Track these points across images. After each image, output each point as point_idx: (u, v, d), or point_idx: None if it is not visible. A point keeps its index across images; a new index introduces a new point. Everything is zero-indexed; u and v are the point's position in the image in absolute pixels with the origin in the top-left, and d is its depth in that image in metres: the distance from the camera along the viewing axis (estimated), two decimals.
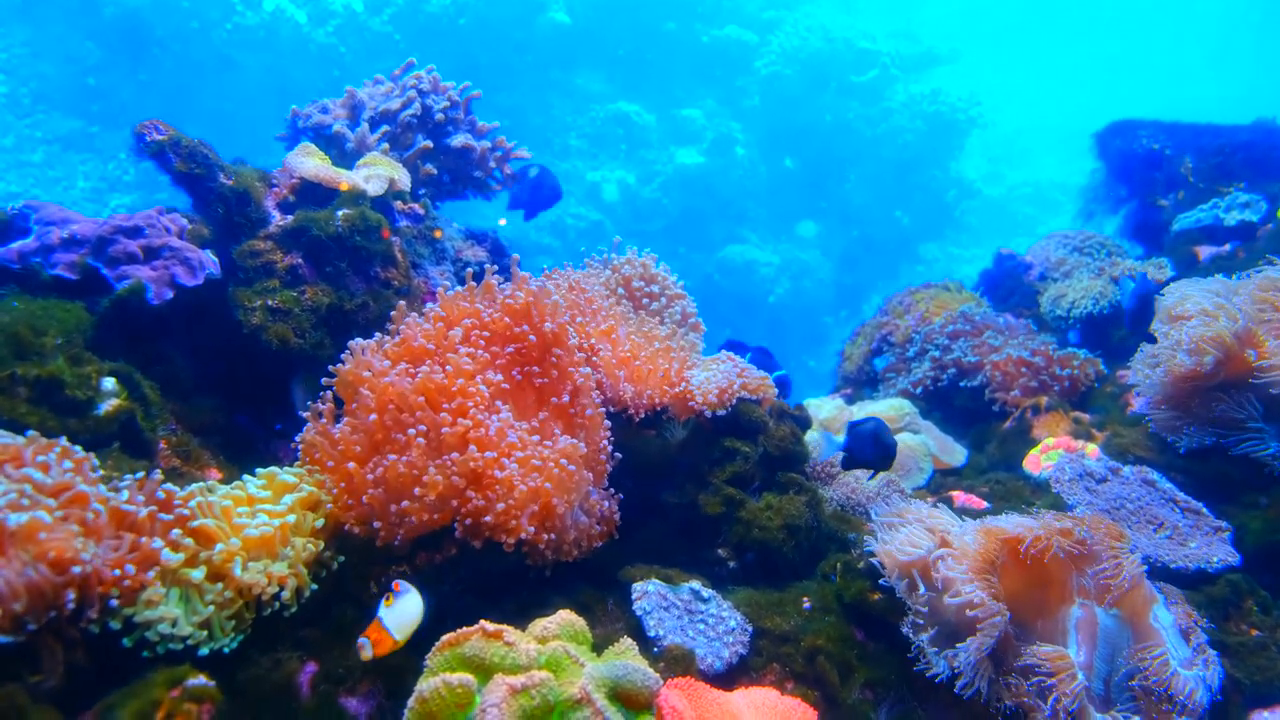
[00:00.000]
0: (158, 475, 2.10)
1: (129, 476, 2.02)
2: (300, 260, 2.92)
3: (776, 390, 3.11)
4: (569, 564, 2.41)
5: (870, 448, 2.73)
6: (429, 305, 2.63)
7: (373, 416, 2.29)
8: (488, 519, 2.18)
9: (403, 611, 1.96)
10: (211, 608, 1.93)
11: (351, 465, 2.25)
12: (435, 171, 3.71)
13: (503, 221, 3.85)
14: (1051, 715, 1.97)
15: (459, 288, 2.70)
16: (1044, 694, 2.00)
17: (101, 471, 2.03)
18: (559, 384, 2.57)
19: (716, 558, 2.74)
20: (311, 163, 3.16)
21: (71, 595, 1.73)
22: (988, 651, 2.03)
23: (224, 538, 2.03)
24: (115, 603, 1.83)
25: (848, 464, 2.86)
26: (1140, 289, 3.88)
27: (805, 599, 2.48)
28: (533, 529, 2.21)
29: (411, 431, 2.24)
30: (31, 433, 1.96)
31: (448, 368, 2.37)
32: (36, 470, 1.84)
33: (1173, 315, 3.11)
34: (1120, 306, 4.24)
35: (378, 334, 2.58)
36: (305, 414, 2.47)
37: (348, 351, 2.49)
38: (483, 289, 2.68)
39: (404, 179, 3.37)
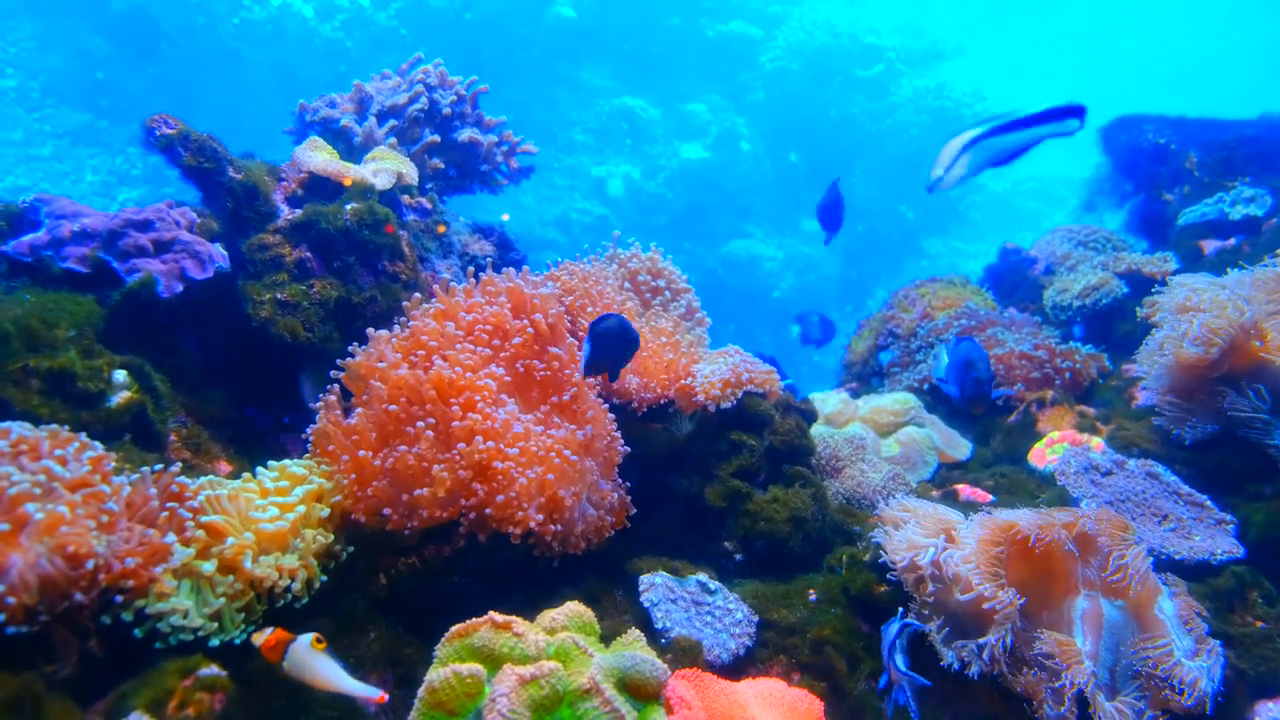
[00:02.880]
0: (175, 468, 2.12)
1: (145, 469, 2.04)
2: (309, 254, 2.93)
3: (782, 384, 3.12)
4: (577, 555, 2.43)
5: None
6: (429, 302, 2.65)
7: (393, 407, 2.31)
8: (489, 511, 2.20)
9: (311, 663, 1.83)
10: (222, 600, 1.95)
11: (363, 454, 2.27)
12: (442, 166, 3.73)
13: (506, 217, 3.87)
14: (1060, 702, 1.99)
15: (458, 283, 2.71)
16: (1054, 683, 2.02)
17: (114, 464, 2.05)
18: (561, 377, 2.59)
19: (723, 550, 2.75)
20: (319, 157, 3.17)
21: (86, 587, 1.75)
22: (1004, 645, 2.04)
23: (237, 532, 2.05)
24: (127, 595, 1.85)
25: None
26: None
27: (811, 591, 2.49)
28: (540, 518, 2.22)
29: (420, 424, 2.26)
30: (54, 427, 1.98)
31: (457, 366, 2.38)
32: (54, 463, 1.85)
33: (1179, 308, 3.11)
34: (1120, 301, 4.25)
35: (395, 326, 2.60)
36: (315, 406, 2.49)
37: (357, 344, 2.50)
38: (481, 284, 2.69)
39: (411, 173, 3.39)
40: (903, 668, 2.05)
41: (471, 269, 2.81)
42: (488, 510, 2.20)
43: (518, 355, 2.57)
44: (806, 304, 14.71)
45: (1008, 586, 2.10)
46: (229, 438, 2.77)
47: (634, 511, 2.64)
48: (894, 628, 2.15)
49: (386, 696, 1.86)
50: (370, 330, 2.52)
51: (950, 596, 2.16)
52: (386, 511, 2.24)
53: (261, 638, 1.85)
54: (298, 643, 1.83)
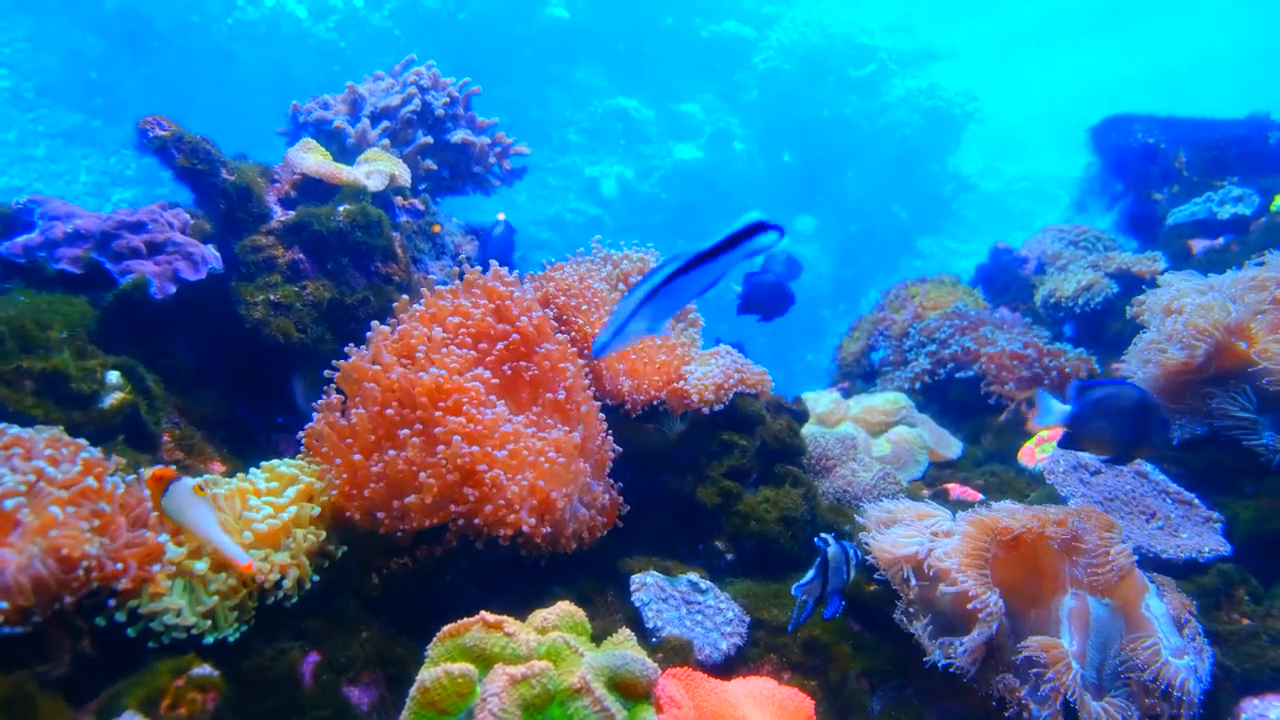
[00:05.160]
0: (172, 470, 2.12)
1: (141, 470, 2.05)
2: (302, 255, 2.94)
3: (772, 385, 3.14)
4: (569, 555, 2.44)
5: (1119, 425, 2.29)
6: (415, 304, 2.65)
7: (387, 411, 2.31)
8: (477, 521, 2.21)
9: (189, 506, 1.87)
10: (215, 598, 1.96)
11: (358, 457, 2.28)
12: (435, 167, 3.74)
13: (501, 216, 3.88)
14: (1048, 705, 2.00)
15: (443, 287, 2.71)
16: (1040, 683, 2.03)
17: (107, 465, 2.05)
18: (550, 378, 2.59)
19: (714, 549, 2.76)
20: (313, 158, 3.18)
21: (79, 588, 1.76)
22: (986, 640, 2.06)
23: (233, 531, 2.06)
24: (120, 595, 1.85)
25: (1067, 442, 2.35)
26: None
27: None
28: (532, 521, 2.23)
29: (406, 431, 2.27)
30: (47, 427, 1.98)
31: (442, 370, 2.39)
32: (46, 463, 1.86)
33: (1166, 309, 3.14)
34: (1110, 300, 4.27)
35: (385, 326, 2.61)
36: (310, 407, 2.49)
37: (353, 345, 2.51)
38: (463, 286, 2.70)
39: (404, 174, 3.40)
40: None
41: (456, 270, 2.82)
42: (476, 520, 2.21)
43: (504, 358, 2.57)
44: (800, 303, 14.72)
45: (993, 584, 2.12)
46: (222, 438, 2.77)
47: (626, 510, 2.65)
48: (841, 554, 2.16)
49: (254, 565, 1.90)
50: (375, 323, 2.52)
51: (935, 594, 2.18)
52: (380, 515, 2.25)
53: (151, 471, 1.89)
54: (180, 482, 1.87)
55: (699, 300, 3.34)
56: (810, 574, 2.10)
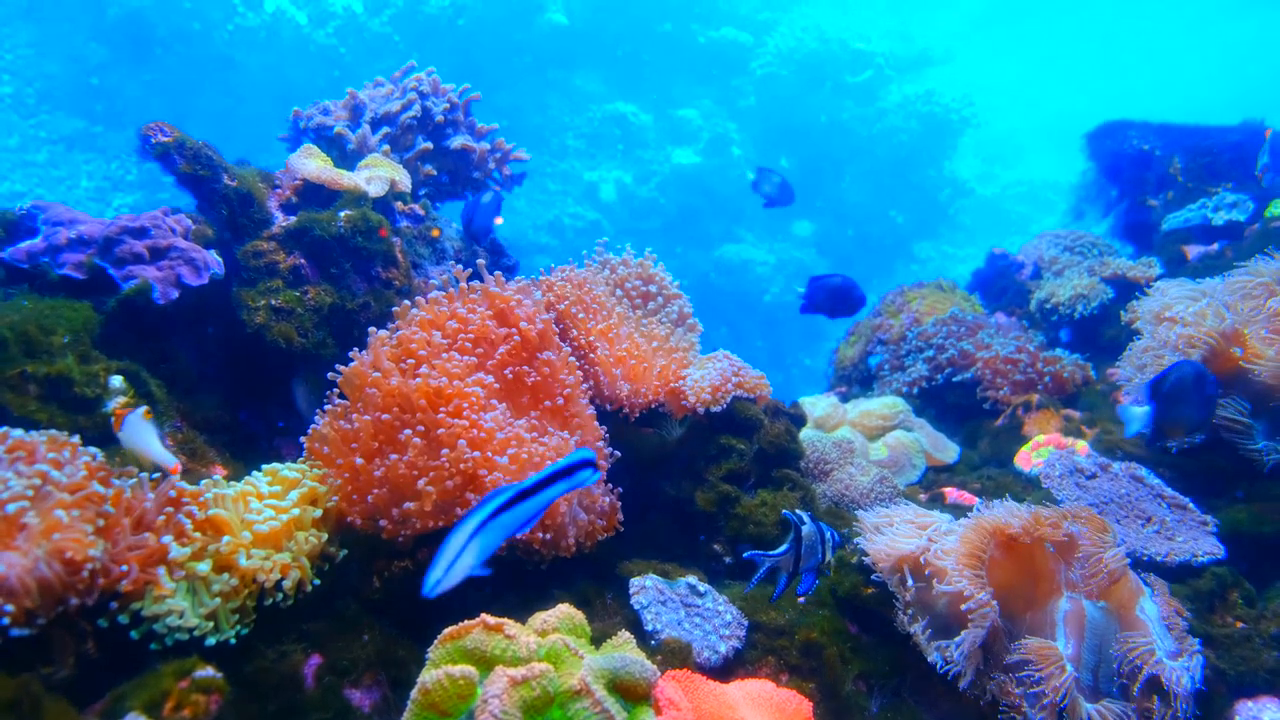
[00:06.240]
0: (174, 475, 2.14)
1: (143, 475, 2.06)
2: (303, 260, 2.96)
3: (770, 389, 3.16)
4: (569, 558, 2.45)
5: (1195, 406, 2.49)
6: (414, 310, 2.67)
7: (385, 416, 2.33)
8: None
9: (141, 430, 2.21)
10: (218, 600, 1.98)
11: (360, 461, 2.29)
12: (435, 173, 3.76)
13: (499, 220, 3.89)
14: (1042, 707, 2.02)
15: (438, 293, 2.72)
16: (1034, 686, 2.05)
17: (110, 469, 2.07)
18: (550, 384, 2.61)
19: (713, 552, 2.78)
20: (313, 164, 3.20)
21: (83, 591, 1.78)
22: (980, 642, 2.08)
23: (235, 531, 2.08)
24: (124, 597, 1.87)
25: (1155, 439, 2.56)
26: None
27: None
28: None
29: (408, 433, 2.28)
30: (51, 431, 2.00)
31: (443, 375, 2.41)
32: (50, 467, 1.88)
33: (1159, 316, 3.16)
34: (1106, 306, 4.30)
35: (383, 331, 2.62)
36: (312, 411, 2.51)
37: (356, 350, 2.52)
38: (460, 291, 2.71)
39: (405, 180, 3.42)
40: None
41: (459, 272, 2.84)
42: None
43: (505, 362, 2.59)
44: (798, 308, 14.74)
45: (988, 585, 2.14)
46: (224, 442, 2.79)
47: (621, 515, 2.66)
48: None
49: (180, 467, 2.24)
50: (372, 330, 2.54)
51: (932, 595, 2.20)
52: (382, 522, 2.27)
53: (115, 405, 2.24)
54: (132, 413, 2.20)
55: (696, 302, 3.37)
56: (783, 546, 2.13)
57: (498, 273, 2.77)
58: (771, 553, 2.15)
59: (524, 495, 1.66)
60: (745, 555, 2.17)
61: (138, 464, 2.20)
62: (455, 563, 1.59)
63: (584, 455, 1.70)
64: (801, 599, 2.31)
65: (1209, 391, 2.59)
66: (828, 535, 2.18)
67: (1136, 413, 2.65)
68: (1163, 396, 2.59)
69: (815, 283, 3.64)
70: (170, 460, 2.23)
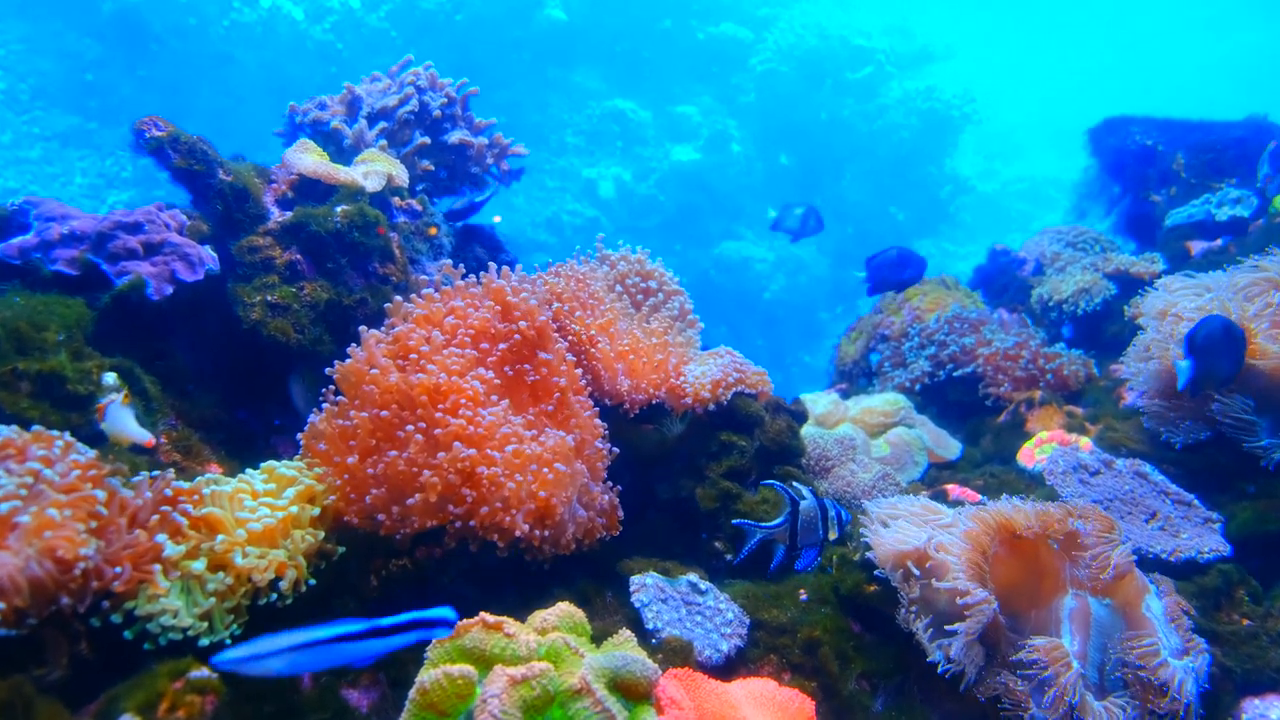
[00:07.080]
0: (170, 473, 2.11)
1: (143, 474, 2.04)
2: (299, 256, 2.93)
3: (771, 386, 3.13)
4: (569, 556, 2.43)
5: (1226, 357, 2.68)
6: (408, 306, 2.64)
7: (384, 413, 2.31)
8: (473, 523, 2.20)
9: (121, 415, 2.31)
10: (213, 599, 1.95)
11: (354, 460, 2.27)
12: (432, 168, 3.73)
13: (497, 219, 3.87)
14: (1049, 704, 2.00)
15: (431, 290, 2.70)
16: (1041, 684, 2.03)
17: (103, 467, 2.04)
18: (549, 380, 2.59)
19: (714, 550, 2.76)
20: (310, 159, 3.17)
21: (75, 590, 1.75)
22: (977, 635, 2.05)
23: (230, 529, 2.05)
24: (117, 597, 1.84)
25: (1194, 388, 2.77)
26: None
27: (802, 591, 2.50)
28: (528, 526, 2.23)
29: (410, 428, 2.26)
30: (42, 429, 1.97)
31: (440, 371, 2.38)
32: (42, 465, 1.85)
33: (1163, 312, 3.14)
34: (1109, 302, 4.28)
35: (382, 330, 2.60)
36: (309, 408, 2.49)
37: (354, 346, 2.50)
38: (456, 288, 2.69)
39: (402, 175, 3.39)
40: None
41: (460, 268, 2.81)
42: (472, 522, 2.20)
43: (506, 358, 2.57)
44: (798, 305, 14.75)
45: (989, 581, 2.11)
46: (219, 440, 2.77)
47: (621, 513, 2.64)
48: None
49: (154, 441, 2.37)
50: (362, 329, 2.51)
51: (935, 592, 2.17)
52: (380, 517, 2.25)
53: (104, 400, 2.29)
54: (114, 401, 2.31)
55: (696, 300, 3.35)
56: (779, 519, 2.10)
57: (505, 267, 2.75)
58: (764, 524, 2.11)
59: (372, 634, 1.58)
60: (734, 523, 2.14)
61: (121, 448, 2.27)
62: (261, 659, 1.50)
63: (444, 615, 1.59)
64: (800, 572, 2.27)
65: (1237, 340, 2.76)
66: (831, 512, 2.15)
67: (1183, 366, 2.80)
68: (1198, 349, 2.75)
69: (872, 262, 3.77)
70: (145, 435, 2.31)
